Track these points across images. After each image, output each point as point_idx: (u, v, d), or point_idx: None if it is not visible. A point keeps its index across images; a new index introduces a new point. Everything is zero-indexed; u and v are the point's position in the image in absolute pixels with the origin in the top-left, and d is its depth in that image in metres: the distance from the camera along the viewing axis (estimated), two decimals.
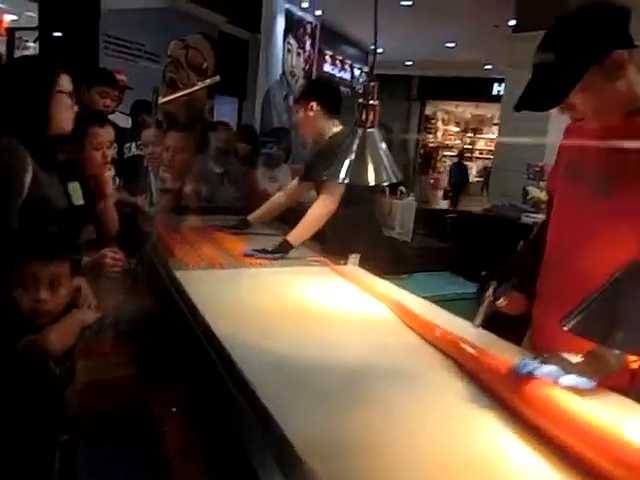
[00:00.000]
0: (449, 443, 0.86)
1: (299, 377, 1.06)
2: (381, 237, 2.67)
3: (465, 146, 16.50)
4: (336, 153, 2.19)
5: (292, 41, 8.00)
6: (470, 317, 1.41)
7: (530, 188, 4.01)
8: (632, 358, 1.00)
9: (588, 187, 1.22)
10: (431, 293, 2.30)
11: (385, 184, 1.43)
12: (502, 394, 0.98)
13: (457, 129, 16.91)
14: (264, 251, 2.10)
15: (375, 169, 1.42)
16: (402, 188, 3.15)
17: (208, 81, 3.41)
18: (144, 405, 1.04)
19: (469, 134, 17.16)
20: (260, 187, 3.39)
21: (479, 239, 3.51)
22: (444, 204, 10.64)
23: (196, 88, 3.27)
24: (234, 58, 7.19)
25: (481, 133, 16.62)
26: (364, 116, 1.39)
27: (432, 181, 14.95)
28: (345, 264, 2.09)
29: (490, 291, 1.33)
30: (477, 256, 2.82)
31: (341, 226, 2.29)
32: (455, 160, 13.80)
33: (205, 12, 6.34)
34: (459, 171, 12.26)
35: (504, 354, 1.12)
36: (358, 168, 1.41)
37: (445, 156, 16.45)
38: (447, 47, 9.31)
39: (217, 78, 3.41)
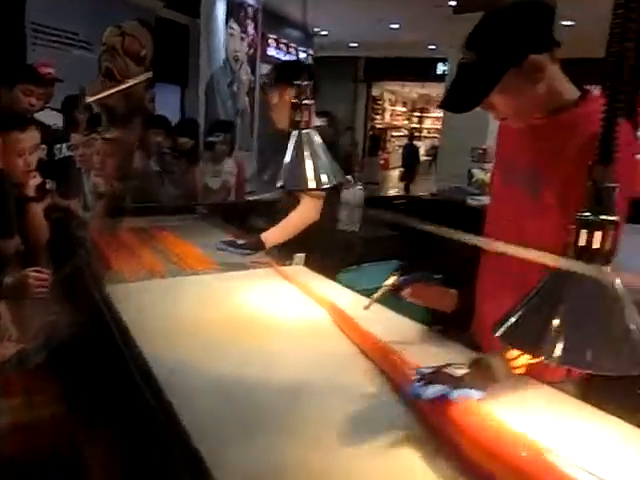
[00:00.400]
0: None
1: (234, 407, 1.02)
2: (334, 231, 2.60)
3: (413, 126, 16.65)
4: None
5: (234, 25, 7.77)
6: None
7: (474, 170, 4.05)
8: (517, 364, 1.02)
9: (519, 187, 1.22)
10: (379, 284, 2.28)
11: (327, 186, 1.37)
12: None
13: (404, 109, 17.03)
14: (234, 244, 2.01)
15: (315, 172, 1.37)
16: (349, 177, 3.11)
17: (142, 77, 3.25)
18: (71, 446, 0.97)
19: (416, 113, 17.30)
20: (201, 183, 3.29)
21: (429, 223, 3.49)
22: (398, 184, 10.73)
23: (128, 85, 3.11)
24: (174, 44, 6.92)
25: (428, 112, 16.79)
26: (299, 117, 1.34)
27: (382, 162, 15.08)
28: (290, 264, 2.04)
29: (390, 280, 1.33)
30: (425, 242, 2.81)
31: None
32: (406, 141, 13.93)
33: None
34: (410, 152, 12.42)
35: (442, 356, 1.10)
36: (297, 172, 1.37)
37: (394, 136, 16.56)
38: (391, 28, 9.27)
39: (149, 74, 3.26)
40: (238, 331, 1.37)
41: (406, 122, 17.04)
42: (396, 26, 9.16)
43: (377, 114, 15.90)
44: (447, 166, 5.47)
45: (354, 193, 3.10)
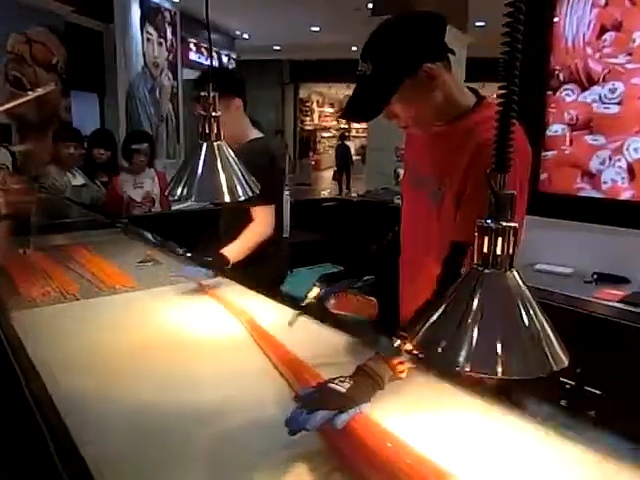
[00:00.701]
0: None
1: (143, 438, 0.96)
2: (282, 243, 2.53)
3: (342, 126, 16.82)
4: (267, 164, 2.06)
5: (151, 30, 7.57)
6: None
7: (400, 170, 4.12)
8: (401, 368, 1.03)
9: (424, 190, 1.25)
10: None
11: (241, 199, 1.33)
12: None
13: (332, 110, 17.18)
14: (202, 263, 1.90)
15: (229, 185, 1.32)
16: None
17: (40, 90, 3.07)
18: None
19: None
20: (124, 195, 3.15)
21: (356, 226, 3.55)
22: (331, 185, 10.78)
23: (36, 94, 2.93)
24: (88, 51, 6.63)
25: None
26: (208, 129, 1.29)
27: (313, 163, 15.16)
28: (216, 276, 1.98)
29: (313, 293, 1.30)
30: (355, 244, 2.83)
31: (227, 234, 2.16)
32: (335, 142, 14.08)
33: (47, 1, 5.75)
34: (343, 152, 12.55)
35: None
36: (209, 185, 1.31)
37: (324, 137, 16.68)
38: (312, 31, 9.34)
39: (52, 85, 3.09)
40: (152, 354, 1.31)
41: (335, 123, 17.20)
42: (317, 29, 9.22)
43: (306, 116, 15.98)
44: (375, 165, 5.53)
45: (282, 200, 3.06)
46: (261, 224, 2.09)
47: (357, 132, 16.97)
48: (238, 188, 1.33)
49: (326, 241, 3.33)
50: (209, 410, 1.05)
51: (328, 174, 14.17)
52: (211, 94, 1.28)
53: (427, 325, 0.75)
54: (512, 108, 0.73)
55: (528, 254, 2.44)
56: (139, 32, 7.31)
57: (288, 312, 1.63)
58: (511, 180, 1.11)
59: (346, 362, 1.26)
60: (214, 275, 1.89)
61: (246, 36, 10.23)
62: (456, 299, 0.74)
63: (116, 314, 1.59)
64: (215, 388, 1.14)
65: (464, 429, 0.97)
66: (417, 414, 1.01)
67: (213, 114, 1.29)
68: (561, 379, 2.02)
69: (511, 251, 0.72)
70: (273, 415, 0.99)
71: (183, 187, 1.31)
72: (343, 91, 16.54)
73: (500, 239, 0.72)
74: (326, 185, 12.84)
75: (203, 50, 9.50)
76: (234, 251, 2.01)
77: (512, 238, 0.72)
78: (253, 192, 1.35)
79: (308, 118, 15.96)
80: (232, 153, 1.33)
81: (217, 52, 10.04)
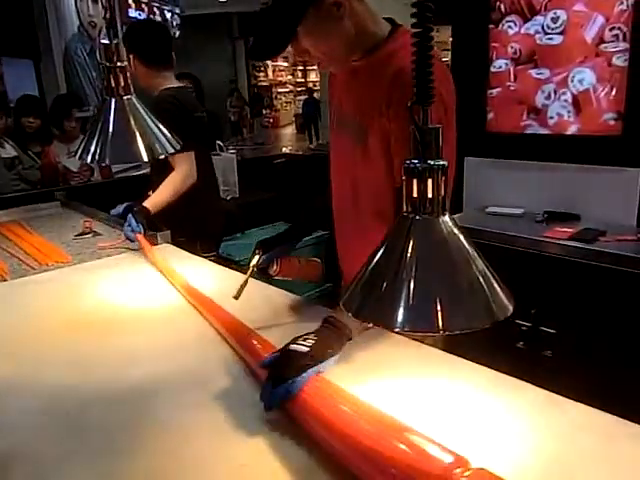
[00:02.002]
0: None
1: (66, 421, 0.89)
2: (217, 202, 2.46)
3: (298, 80, 16.42)
4: (175, 111, 2.00)
5: None
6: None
7: None
8: None
9: (347, 135, 1.17)
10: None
11: (161, 157, 1.23)
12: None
13: (286, 64, 16.72)
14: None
15: (146, 143, 1.21)
16: (219, 143, 2.94)
17: None
18: None
19: (299, 67, 17.07)
20: (59, 164, 2.97)
21: (309, 181, 3.44)
22: (291, 142, 10.55)
23: None
24: (16, 15, 6.18)
25: (311, 65, 16.60)
26: (114, 82, 1.17)
27: (272, 120, 14.81)
28: (157, 244, 1.89)
29: (254, 260, 1.21)
30: (307, 199, 2.75)
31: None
32: (306, 96, 13.70)
33: None
34: (310, 106, 12.19)
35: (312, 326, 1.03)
36: (123, 144, 1.20)
37: (280, 93, 16.27)
38: None
39: None
40: (79, 333, 1.22)
41: (290, 77, 16.76)
42: None
43: (260, 71, 15.49)
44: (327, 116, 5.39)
45: (227, 159, 2.94)
46: (179, 172, 2.06)
47: (314, 85, 16.62)
48: (156, 145, 1.22)
49: (278, 198, 3.23)
50: (142, 388, 0.98)
51: (287, 131, 13.86)
52: (113, 42, 1.15)
53: (359, 284, 0.68)
54: (429, 31, 0.65)
55: (479, 197, 2.41)
56: None
57: (227, 275, 1.58)
58: (439, 112, 1.04)
59: (292, 322, 1.22)
60: (144, 230, 1.86)
61: None
62: (387, 253, 0.67)
63: (44, 293, 1.49)
64: (150, 363, 1.07)
65: (420, 384, 0.93)
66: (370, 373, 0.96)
67: (118, 64, 1.16)
68: (517, 321, 2.02)
69: (442, 192, 0.65)
70: (220, 388, 0.93)
71: (95, 149, 1.19)
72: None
73: (430, 180, 0.65)
74: (286, 142, 12.60)
75: (143, 6, 9.00)
76: (152, 201, 2.00)
77: (442, 178, 0.65)
78: (174, 148, 1.24)
79: (262, 74, 15.48)
80: (144, 107, 1.21)
81: (159, 8, 9.55)
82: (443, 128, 0.76)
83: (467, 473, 0.60)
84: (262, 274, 1.25)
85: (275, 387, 0.83)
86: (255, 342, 1.03)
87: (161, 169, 2.08)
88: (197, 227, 2.15)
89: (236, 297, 1.18)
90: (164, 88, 2.09)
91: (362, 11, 1.06)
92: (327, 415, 0.78)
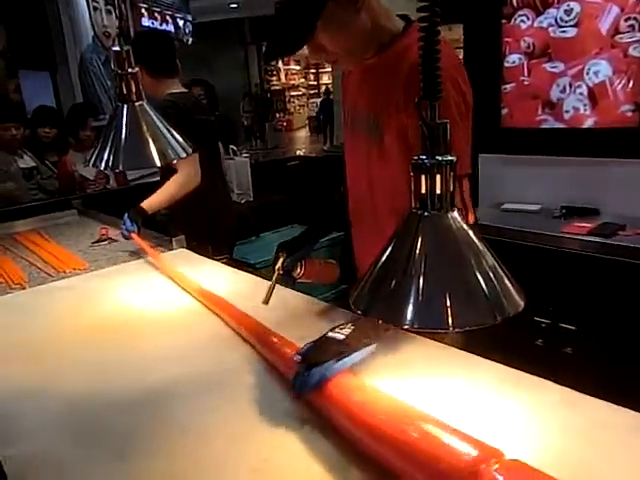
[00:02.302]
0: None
1: (83, 429, 0.89)
2: (227, 205, 2.48)
3: (310, 83, 16.44)
4: (169, 117, 2.05)
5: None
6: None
7: None
8: None
9: (363, 135, 1.16)
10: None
11: (174, 161, 1.24)
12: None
13: (298, 67, 16.75)
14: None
15: (158, 148, 1.22)
16: (233, 147, 2.95)
17: None
18: None
19: (312, 70, 17.10)
20: (76, 173, 3.01)
21: (320, 183, 3.43)
22: (306, 145, 10.53)
23: None
24: (31, 26, 6.28)
25: (323, 67, 16.62)
26: (125, 89, 1.17)
27: (285, 124, 14.84)
28: (172, 249, 1.90)
29: (279, 263, 1.20)
30: (321, 201, 2.75)
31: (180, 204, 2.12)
32: (323, 96, 13.68)
33: None
34: (326, 107, 12.17)
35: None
36: (135, 150, 1.21)
37: (293, 96, 16.31)
38: None
39: None
40: (103, 336, 1.23)
41: (303, 80, 16.79)
42: None
43: (272, 75, 15.55)
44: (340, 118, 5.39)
45: (240, 163, 2.95)
46: (181, 174, 2.08)
47: (327, 88, 16.62)
48: (169, 151, 1.23)
49: (292, 201, 3.23)
50: (161, 391, 0.98)
51: (301, 134, 13.88)
52: (124, 49, 1.16)
53: (368, 281, 0.68)
54: (436, 25, 0.64)
55: (494, 194, 2.38)
56: (84, 1, 6.93)
57: (242, 278, 1.58)
58: (460, 108, 1.03)
59: (309, 324, 1.21)
60: (138, 229, 1.93)
61: None
62: (396, 249, 0.67)
63: (62, 300, 1.51)
64: (169, 366, 1.07)
65: (437, 383, 0.92)
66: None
67: (129, 71, 1.17)
68: (536, 318, 1.99)
69: (451, 188, 0.64)
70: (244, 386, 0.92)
71: (108, 156, 1.20)
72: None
73: (438, 176, 0.64)
74: (300, 146, 12.59)
75: (156, 15, 9.10)
76: (149, 201, 2.05)
77: (451, 173, 0.64)
78: (186, 152, 1.25)
79: (275, 78, 15.53)
80: (156, 113, 1.22)
81: (172, 16, 9.64)
82: (464, 123, 0.74)
83: (496, 466, 0.59)
84: (287, 277, 1.23)
85: (309, 372, 0.82)
86: (275, 339, 1.03)
87: (167, 173, 2.11)
88: (207, 230, 2.17)
89: (266, 302, 1.17)
90: (168, 93, 2.13)
91: (377, 6, 1.06)
92: (353, 407, 0.77)
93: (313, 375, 0.82)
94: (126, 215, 1.94)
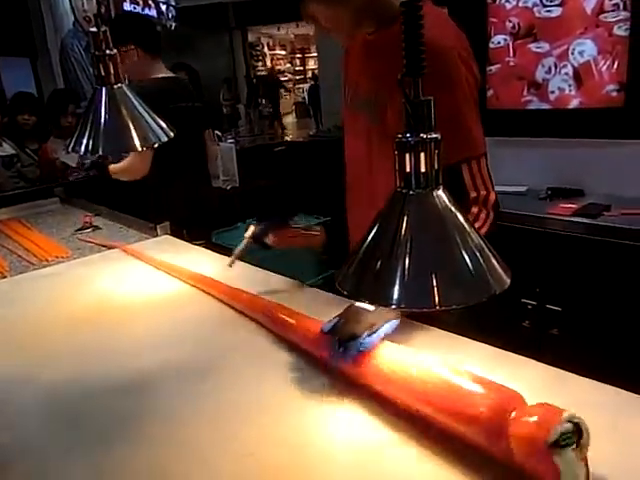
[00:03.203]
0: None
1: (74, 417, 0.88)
2: (204, 189, 2.45)
3: (297, 68, 16.29)
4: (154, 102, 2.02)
5: None
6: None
7: None
8: None
9: (362, 114, 1.14)
10: None
11: (155, 145, 1.21)
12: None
13: (284, 52, 16.59)
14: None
15: (139, 131, 1.19)
16: (217, 132, 2.92)
17: None
18: None
19: (298, 55, 16.95)
20: (57, 160, 2.96)
21: (306, 167, 3.41)
22: (293, 130, 10.45)
23: None
24: (10, 12, 6.14)
25: (309, 52, 16.46)
26: (104, 71, 1.14)
27: (271, 110, 14.70)
28: (157, 235, 1.88)
29: (249, 232, 1.24)
30: (307, 186, 2.73)
31: (160, 191, 2.10)
32: (311, 82, 13.60)
33: None
34: (316, 92, 12.09)
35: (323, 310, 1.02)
36: (116, 134, 1.18)
37: (280, 81, 16.15)
38: None
39: None
40: (87, 323, 1.22)
41: (289, 65, 16.63)
42: None
43: (258, 61, 15.38)
44: (329, 105, 5.34)
45: (226, 148, 2.91)
46: (127, 161, 2.12)
47: (313, 73, 16.48)
48: (149, 134, 1.20)
49: (279, 187, 3.20)
50: (147, 377, 0.97)
51: (287, 120, 13.77)
52: (101, 29, 1.13)
53: (354, 262, 0.67)
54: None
55: None
56: None
57: (223, 261, 1.57)
58: (469, 87, 1.02)
59: (299, 309, 1.20)
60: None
61: None
62: (381, 229, 0.66)
63: (44, 288, 1.48)
64: (155, 352, 1.06)
65: None
66: None
67: (107, 52, 1.14)
68: (522, 300, 2.00)
69: (436, 166, 0.63)
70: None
71: (87, 140, 1.17)
72: (293, 31, 15.94)
73: (423, 154, 0.63)
74: (287, 131, 12.47)
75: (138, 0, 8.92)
76: None
77: (435, 151, 0.63)
78: (167, 136, 1.22)
79: (260, 63, 15.36)
80: (136, 96, 1.19)
81: (154, 0, 9.47)
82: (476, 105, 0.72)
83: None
84: (259, 244, 1.25)
85: (346, 346, 0.83)
86: (289, 315, 1.04)
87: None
88: (184, 215, 2.14)
89: (230, 265, 1.24)
90: (152, 78, 2.11)
91: None
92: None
93: (350, 349, 0.82)
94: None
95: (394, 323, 0.90)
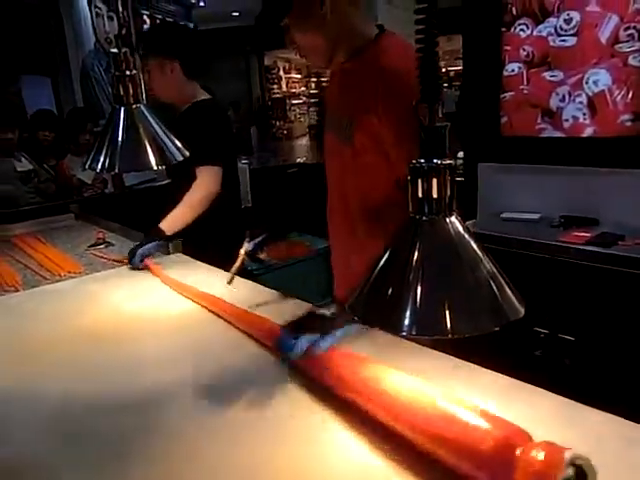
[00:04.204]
0: None
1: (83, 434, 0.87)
2: (237, 211, 2.41)
3: (311, 91, 16.49)
4: (211, 127, 1.93)
5: (99, 4, 7.20)
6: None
7: None
8: None
9: (336, 133, 1.23)
10: None
11: (173, 162, 1.23)
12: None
13: (300, 76, 16.82)
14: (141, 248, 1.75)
15: (154, 150, 1.21)
16: None
17: None
18: None
19: (313, 79, 17.16)
20: (73, 177, 3.00)
21: (318, 188, 3.41)
22: (309, 149, 10.54)
23: None
24: (33, 32, 6.29)
25: (325, 76, 16.66)
26: (123, 91, 1.17)
27: (285, 132, 14.85)
28: (169, 253, 1.89)
29: (244, 248, 1.34)
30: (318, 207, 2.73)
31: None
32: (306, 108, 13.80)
33: None
34: None
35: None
36: (132, 152, 1.20)
37: (294, 104, 16.35)
38: None
39: None
40: (96, 339, 1.23)
41: (304, 89, 16.85)
42: None
43: (273, 84, 15.61)
44: None
45: (240, 169, 2.94)
46: (202, 185, 1.91)
47: None
48: (166, 153, 1.22)
49: (291, 208, 3.22)
50: (155, 394, 0.96)
51: (302, 142, 13.88)
52: (122, 50, 1.15)
53: (366, 287, 0.67)
54: (434, 29, 0.64)
55: (493, 203, 2.37)
56: (87, 7, 6.96)
57: (240, 284, 1.57)
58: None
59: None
60: (163, 250, 1.85)
61: (202, 3, 9.83)
62: (393, 254, 0.66)
63: (56, 303, 1.50)
64: (163, 370, 1.06)
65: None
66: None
67: (127, 73, 1.16)
68: (534, 329, 1.97)
69: (449, 192, 0.64)
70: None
71: (104, 158, 1.19)
72: None
73: (435, 180, 0.63)
74: (301, 154, 12.56)
75: (159, 22, 9.12)
76: (170, 221, 1.87)
77: (449, 177, 0.64)
78: (183, 155, 1.24)
79: (276, 86, 15.58)
80: (154, 115, 1.21)
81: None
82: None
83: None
84: (254, 260, 1.36)
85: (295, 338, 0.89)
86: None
87: (181, 181, 1.98)
88: (199, 234, 2.01)
89: (229, 282, 1.34)
90: (201, 99, 2.04)
91: (352, 13, 1.14)
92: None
93: (296, 344, 0.89)
94: (138, 248, 1.73)
95: (354, 327, 0.95)
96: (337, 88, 1.26)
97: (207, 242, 1.98)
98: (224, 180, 1.98)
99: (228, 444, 0.80)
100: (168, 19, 9.26)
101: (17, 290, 1.63)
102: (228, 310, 1.26)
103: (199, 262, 1.78)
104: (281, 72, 16.09)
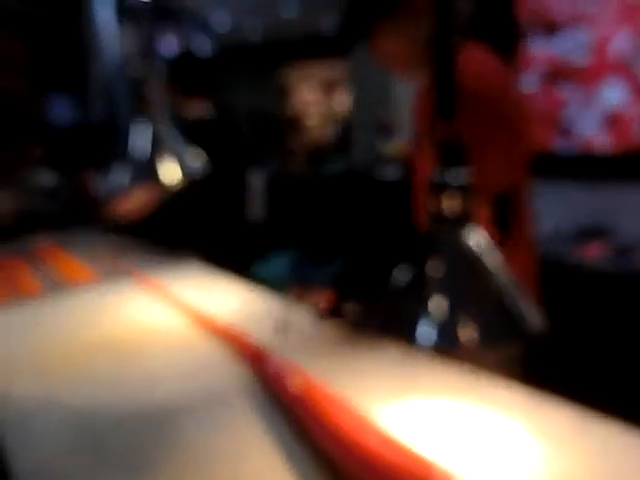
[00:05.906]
0: None
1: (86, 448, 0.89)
2: (242, 223, 2.47)
3: (326, 108, 16.55)
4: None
5: (123, 22, 7.37)
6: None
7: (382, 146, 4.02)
8: None
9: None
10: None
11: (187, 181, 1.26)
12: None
13: (315, 93, 16.90)
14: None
15: (173, 167, 1.25)
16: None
17: None
18: None
19: (328, 96, 17.23)
20: (98, 191, 3.06)
21: (336, 202, 3.44)
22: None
23: None
24: (59, 48, 6.43)
25: (340, 92, 16.72)
26: (145, 109, 1.21)
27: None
28: (187, 267, 1.92)
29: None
30: (337, 221, 2.75)
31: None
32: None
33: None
34: (344, 131, 12.27)
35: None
36: (152, 169, 1.24)
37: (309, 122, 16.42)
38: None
39: None
40: (113, 350, 1.24)
41: (319, 105, 16.93)
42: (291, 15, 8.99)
43: (288, 100, 15.70)
44: (359, 143, 5.43)
45: (255, 181, 2.98)
46: None
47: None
48: (184, 170, 1.26)
49: (304, 222, 3.25)
50: (170, 407, 0.98)
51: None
52: (145, 69, 1.20)
53: (384, 300, 0.69)
54: (451, 46, 0.67)
55: None
56: (109, 26, 7.10)
57: (254, 296, 1.58)
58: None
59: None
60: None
61: (219, 22, 9.99)
62: (411, 269, 0.68)
63: (73, 313, 1.52)
64: (179, 383, 1.08)
65: (445, 405, 0.91)
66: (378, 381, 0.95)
67: (150, 90, 1.21)
68: (550, 341, 1.96)
69: (467, 207, 0.65)
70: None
71: (125, 173, 1.23)
72: (324, 71, 16.26)
73: (455, 195, 0.65)
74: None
75: (177, 41, 9.27)
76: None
77: (467, 192, 0.66)
78: (200, 172, 1.28)
79: (290, 103, 15.70)
80: (174, 133, 1.25)
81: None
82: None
83: None
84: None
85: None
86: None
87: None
88: (215, 247, 2.14)
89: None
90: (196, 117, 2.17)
91: None
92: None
93: None
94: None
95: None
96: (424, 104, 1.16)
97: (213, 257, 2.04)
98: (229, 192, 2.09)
99: (238, 460, 0.81)
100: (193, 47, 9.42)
101: (36, 300, 1.66)
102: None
103: (215, 276, 1.79)
104: (296, 89, 16.24)
